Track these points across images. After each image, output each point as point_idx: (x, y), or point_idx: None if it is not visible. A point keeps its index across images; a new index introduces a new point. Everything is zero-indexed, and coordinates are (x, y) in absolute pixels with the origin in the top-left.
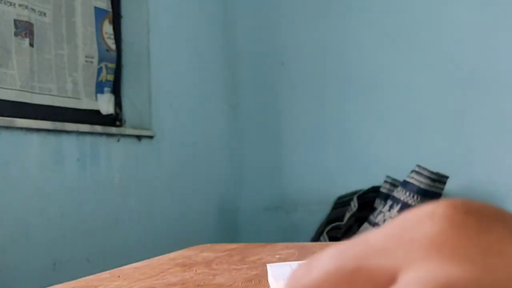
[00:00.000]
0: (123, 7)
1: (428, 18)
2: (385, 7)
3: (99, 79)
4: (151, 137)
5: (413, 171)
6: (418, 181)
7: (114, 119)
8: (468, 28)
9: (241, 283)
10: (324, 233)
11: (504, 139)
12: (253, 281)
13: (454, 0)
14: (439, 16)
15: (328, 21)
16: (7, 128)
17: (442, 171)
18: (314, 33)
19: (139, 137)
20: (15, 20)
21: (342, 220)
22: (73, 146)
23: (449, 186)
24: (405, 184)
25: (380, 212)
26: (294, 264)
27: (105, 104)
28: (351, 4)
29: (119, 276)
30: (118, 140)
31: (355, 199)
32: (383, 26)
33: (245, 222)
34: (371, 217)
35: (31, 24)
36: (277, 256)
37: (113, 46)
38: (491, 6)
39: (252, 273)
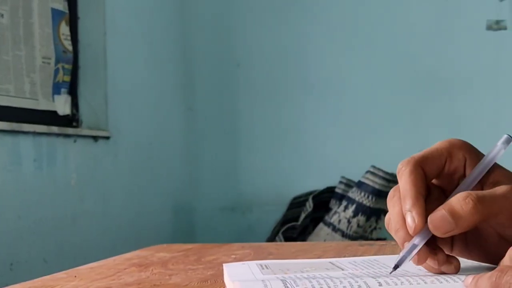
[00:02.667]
0: (80, 8)
1: (385, 20)
2: (340, 9)
3: (56, 80)
4: (107, 137)
5: (368, 171)
6: (373, 181)
7: (71, 120)
8: (424, 31)
9: (197, 283)
10: (280, 233)
11: None
12: (209, 281)
13: (410, 3)
14: (396, 18)
15: (284, 23)
16: None
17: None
18: (269, 35)
19: (95, 138)
20: None
21: (297, 221)
22: (29, 147)
23: None
24: (360, 184)
25: (335, 212)
26: (251, 264)
27: (61, 105)
28: (307, 6)
29: (75, 276)
30: (75, 141)
31: (310, 199)
32: (338, 27)
33: (201, 223)
34: (326, 217)
35: None
36: (233, 256)
37: (69, 47)
38: (447, 8)
39: (208, 273)
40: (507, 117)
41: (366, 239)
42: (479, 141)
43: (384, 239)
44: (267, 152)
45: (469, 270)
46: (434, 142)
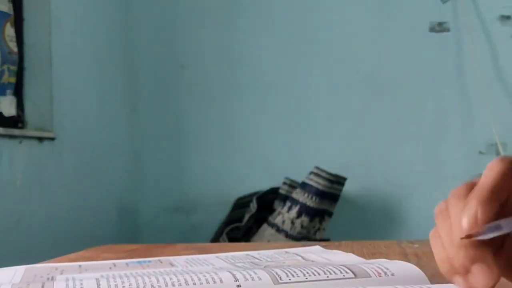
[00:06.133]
0: (25, 10)
1: (328, 21)
2: (283, 11)
3: (1, 82)
4: (52, 139)
5: (311, 172)
6: (317, 182)
7: (16, 121)
8: (367, 32)
9: None
10: (224, 234)
11: (400, 140)
12: None
13: (352, 4)
14: (338, 19)
15: (228, 25)
16: None
17: (340, 172)
18: (213, 37)
19: (40, 139)
20: None
21: (241, 221)
22: None
23: (347, 187)
24: (303, 185)
25: (279, 213)
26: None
27: (7, 106)
28: (251, 9)
29: None
30: (20, 142)
31: (254, 200)
32: (281, 29)
33: (146, 223)
34: (270, 218)
35: None
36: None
37: (15, 49)
38: (390, 10)
39: None
40: (449, 119)
41: (310, 240)
42: (421, 142)
43: (328, 240)
44: (211, 153)
45: None
46: (376, 143)
